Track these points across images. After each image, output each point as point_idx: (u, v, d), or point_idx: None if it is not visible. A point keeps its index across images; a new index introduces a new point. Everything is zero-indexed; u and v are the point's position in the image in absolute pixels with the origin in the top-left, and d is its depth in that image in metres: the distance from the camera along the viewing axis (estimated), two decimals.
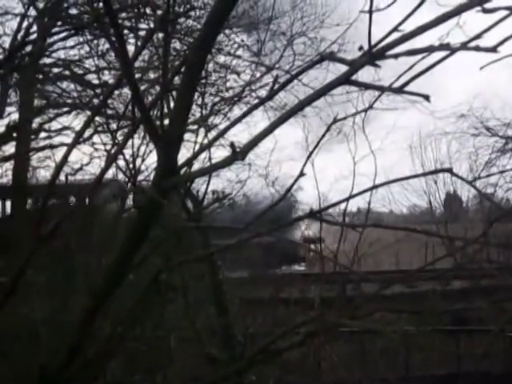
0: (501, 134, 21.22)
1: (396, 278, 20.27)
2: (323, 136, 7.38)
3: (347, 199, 9.23)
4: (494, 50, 5.60)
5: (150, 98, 11.08)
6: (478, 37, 5.75)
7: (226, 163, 6.47)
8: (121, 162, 11.45)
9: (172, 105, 6.77)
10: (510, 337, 16.31)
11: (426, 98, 5.54)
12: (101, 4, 6.29)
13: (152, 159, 11.17)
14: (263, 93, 15.00)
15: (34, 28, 19.09)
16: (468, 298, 17.48)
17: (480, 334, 17.03)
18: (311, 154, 7.78)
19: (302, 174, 7.53)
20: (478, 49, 5.54)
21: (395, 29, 5.59)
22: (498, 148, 21.32)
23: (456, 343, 18.27)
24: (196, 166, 9.38)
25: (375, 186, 9.64)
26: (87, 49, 16.13)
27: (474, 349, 17.52)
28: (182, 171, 6.87)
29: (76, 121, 17.74)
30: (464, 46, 5.61)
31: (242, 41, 17.40)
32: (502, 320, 14.81)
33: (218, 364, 12.22)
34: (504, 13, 6.05)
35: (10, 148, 22.20)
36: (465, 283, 20.21)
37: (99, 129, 14.65)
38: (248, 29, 17.12)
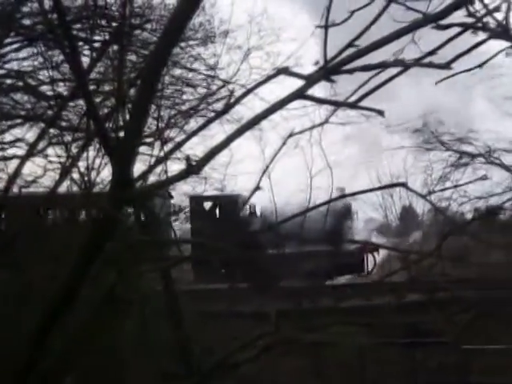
0: (455, 149, 21.44)
1: (353, 292, 20.38)
2: (279, 150, 7.40)
3: (304, 212, 9.27)
4: (447, 66, 5.67)
5: (104, 111, 11.01)
6: (431, 53, 5.82)
7: (181, 176, 6.46)
8: (75, 175, 11.35)
9: (127, 117, 6.73)
10: (464, 349, 16.45)
11: (381, 113, 5.59)
12: (55, 15, 6.25)
13: (107, 172, 11.07)
14: (219, 106, 14.97)
15: None
16: (423, 311, 17.55)
17: (435, 346, 17.15)
18: (267, 167, 7.80)
19: (257, 188, 7.54)
20: (431, 65, 5.60)
21: (350, 44, 5.63)
22: (452, 162, 21.53)
23: (411, 355, 18.37)
24: (151, 179, 9.33)
25: (332, 200, 9.68)
26: (41, 60, 15.94)
27: (429, 361, 17.64)
28: (138, 184, 6.83)
29: (29, 133, 17.54)
30: (418, 63, 5.67)
31: (199, 54, 17.38)
32: (456, 332, 14.96)
33: (174, 378, 12.14)
34: (457, 29, 6.14)
35: None
36: (420, 296, 20.38)
37: (53, 141, 14.48)
38: (204, 42, 17.13)
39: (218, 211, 26.38)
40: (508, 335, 15.05)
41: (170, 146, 13.07)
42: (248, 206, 25.41)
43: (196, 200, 24.21)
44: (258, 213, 25.81)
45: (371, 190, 10.27)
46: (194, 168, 5.95)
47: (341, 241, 24.55)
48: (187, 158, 6.00)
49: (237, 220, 24.08)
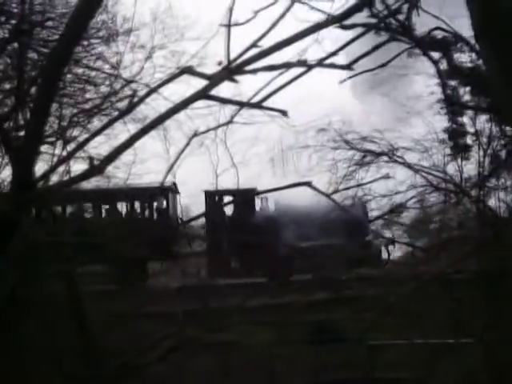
0: (358, 148, 21.69)
1: (260, 290, 20.46)
2: (184, 149, 7.37)
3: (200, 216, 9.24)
4: (348, 67, 5.74)
5: (4, 109, 10.77)
6: (334, 53, 5.88)
7: (85, 176, 6.37)
8: None
9: (28, 116, 6.61)
10: (368, 345, 16.70)
11: (284, 113, 5.62)
12: None
13: (7, 172, 10.84)
14: (123, 105, 14.77)
15: None
16: (329, 309, 17.77)
17: (341, 342, 17.35)
18: (172, 166, 7.76)
19: (162, 187, 7.49)
20: (333, 66, 5.66)
21: (254, 44, 5.64)
22: (356, 161, 21.77)
23: (318, 353, 18.52)
24: (54, 178, 9.18)
25: (238, 199, 9.69)
26: None
27: (335, 357, 17.83)
28: (40, 184, 6.71)
29: None
30: (320, 63, 5.72)
31: (101, 53, 17.10)
32: (362, 329, 15.20)
33: (79, 380, 11.97)
34: (360, 30, 6.23)
35: None
36: (326, 294, 20.63)
37: None
38: (107, 40, 16.86)
39: (232, 205, 26.36)
40: (412, 330, 15.34)
41: (72, 145, 12.89)
42: (261, 201, 25.43)
43: (210, 194, 24.17)
44: (272, 207, 25.83)
45: (277, 189, 10.36)
46: (97, 167, 5.88)
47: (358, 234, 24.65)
48: (90, 158, 5.93)
49: (250, 214, 24.02)
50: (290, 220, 21.93)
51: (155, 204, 25.03)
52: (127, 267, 23.19)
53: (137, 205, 24.94)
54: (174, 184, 23.68)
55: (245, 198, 24.71)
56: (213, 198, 24.87)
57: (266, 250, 20.86)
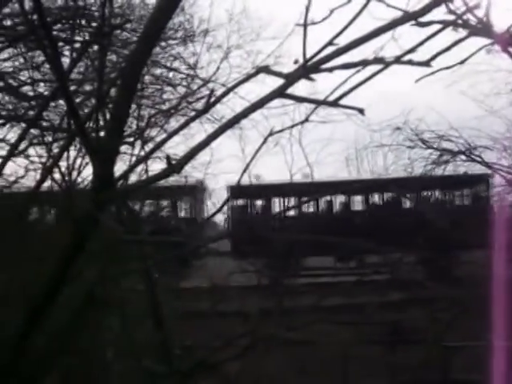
0: (435, 146, 21.51)
1: (334, 290, 20.42)
2: (259, 148, 7.40)
3: (285, 210, 9.28)
4: (427, 64, 5.70)
5: (85, 110, 11.01)
6: (411, 51, 5.84)
7: (162, 176, 6.45)
8: (56, 175, 11.33)
9: (108, 117, 6.72)
10: (445, 346, 16.53)
11: (361, 111, 5.61)
12: (35, 16, 6.23)
13: (88, 172, 11.07)
14: (200, 105, 14.95)
15: None
16: (405, 309, 17.63)
17: (417, 344, 17.22)
18: (248, 166, 7.80)
19: (239, 186, 7.54)
20: (411, 63, 5.63)
21: (330, 42, 5.65)
22: (433, 160, 21.61)
23: (393, 353, 18.42)
24: (132, 178, 9.33)
25: (313, 198, 9.71)
26: (22, 61, 15.87)
27: (411, 359, 17.71)
28: (119, 184, 6.82)
29: (11, 133, 17.46)
30: (398, 60, 5.69)
31: (178, 53, 17.36)
32: (437, 330, 15.04)
33: (156, 378, 12.11)
34: (437, 27, 6.17)
35: None
36: (402, 294, 20.45)
37: (34, 141, 14.42)
38: (184, 41, 17.10)
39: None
40: (488, 332, 15.12)
41: (150, 145, 13.09)
42: None
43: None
44: None
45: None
46: (174, 167, 5.96)
47: None
48: (168, 158, 6.01)
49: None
50: None
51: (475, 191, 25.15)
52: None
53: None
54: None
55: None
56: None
57: None
